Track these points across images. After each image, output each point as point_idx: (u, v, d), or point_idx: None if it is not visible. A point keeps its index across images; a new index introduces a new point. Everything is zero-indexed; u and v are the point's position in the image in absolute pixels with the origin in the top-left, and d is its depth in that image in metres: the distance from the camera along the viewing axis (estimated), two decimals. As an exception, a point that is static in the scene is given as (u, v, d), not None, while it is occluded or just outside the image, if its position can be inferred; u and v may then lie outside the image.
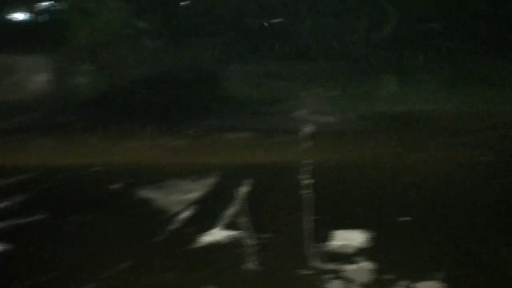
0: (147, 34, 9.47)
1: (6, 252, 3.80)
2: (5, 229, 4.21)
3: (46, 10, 9.81)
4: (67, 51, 9.36)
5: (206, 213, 4.69)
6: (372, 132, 7.28)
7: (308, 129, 7.48)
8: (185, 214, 4.65)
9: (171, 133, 7.48)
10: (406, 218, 4.45)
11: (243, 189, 5.17)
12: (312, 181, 5.33)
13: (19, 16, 9.91)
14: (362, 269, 3.61)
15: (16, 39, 9.48)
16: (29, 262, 3.73)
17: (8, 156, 6.39)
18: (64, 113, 8.24)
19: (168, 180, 5.65)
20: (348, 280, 3.45)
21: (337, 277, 3.50)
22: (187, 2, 9.44)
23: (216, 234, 4.19)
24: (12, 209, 4.65)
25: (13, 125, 7.35)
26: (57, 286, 3.38)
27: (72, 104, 8.58)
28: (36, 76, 9.26)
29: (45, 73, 9.27)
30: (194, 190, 5.32)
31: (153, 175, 5.82)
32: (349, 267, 3.63)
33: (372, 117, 7.85)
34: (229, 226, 4.33)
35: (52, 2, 9.57)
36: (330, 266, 3.65)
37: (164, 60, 9.15)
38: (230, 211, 4.66)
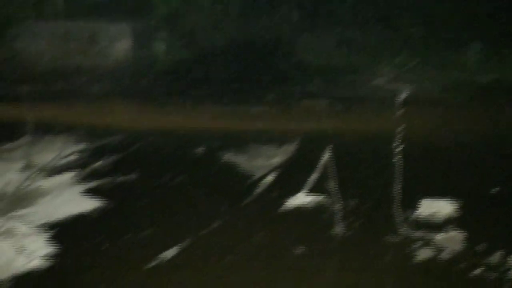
0: (224, 2, 9.49)
1: (102, 207, 4.02)
2: (100, 187, 4.45)
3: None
4: (148, 19, 9.57)
5: (290, 178, 4.75)
6: (457, 102, 7.04)
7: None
8: (270, 178, 4.73)
9: (252, 99, 7.56)
10: (496, 189, 4.32)
11: (327, 155, 5.17)
12: (396, 148, 5.26)
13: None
14: (451, 238, 3.56)
15: (98, 8, 9.77)
16: (122, 217, 3.93)
17: (98, 119, 6.69)
18: (147, 79, 8.50)
19: (251, 146, 5.74)
20: (437, 249, 3.42)
21: (426, 245, 3.47)
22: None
23: (302, 199, 4.25)
24: (105, 169, 4.90)
25: (101, 90, 7.68)
26: (149, 242, 3.54)
27: (155, 70, 8.83)
28: (119, 44, 9.57)
29: (128, 41, 9.56)
30: (277, 155, 5.39)
31: (235, 140, 5.93)
32: (438, 236, 3.59)
33: (457, 86, 7.57)
34: (314, 191, 4.37)
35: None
36: (418, 233, 3.62)
37: (243, 27, 9.18)
38: (315, 176, 4.70)
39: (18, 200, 4.01)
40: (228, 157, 5.35)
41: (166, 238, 3.55)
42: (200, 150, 5.57)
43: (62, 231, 3.52)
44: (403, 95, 7.29)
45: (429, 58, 8.94)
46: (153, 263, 3.20)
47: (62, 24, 9.20)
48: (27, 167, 4.71)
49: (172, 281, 3.05)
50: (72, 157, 5.09)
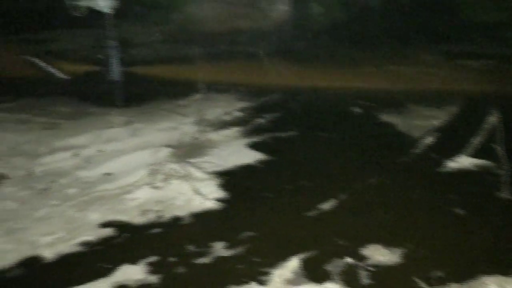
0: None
1: (264, 159, 4.29)
2: (263, 141, 4.73)
3: None
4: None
5: (450, 140, 4.61)
6: None
7: None
8: (428, 139, 4.64)
9: (406, 59, 7.34)
10: None
11: (491, 118, 4.89)
12: None
13: None
14: None
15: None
16: (283, 169, 4.15)
17: (257, 78, 7.04)
18: (301, 40, 8.66)
19: (407, 106, 5.64)
20: None
21: None
22: None
23: (463, 161, 4.12)
24: (266, 125, 5.19)
25: (262, 51, 8.01)
26: (309, 193, 3.72)
27: (309, 31, 8.95)
28: (278, 7, 9.81)
29: (286, 4, 9.74)
30: (436, 117, 5.24)
31: (391, 100, 5.86)
32: None
33: None
34: (476, 154, 4.21)
35: None
36: None
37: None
38: (477, 139, 4.50)
39: (193, 149, 4.48)
40: (384, 116, 5.33)
41: (324, 190, 3.72)
42: (357, 109, 5.62)
43: (231, 179, 3.88)
44: None
45: None
46: (313, 213, 3.39)
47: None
48: (198, 121, 5.19)
49: (331, 229, 3.22)
50: (237, 114, 5.48)
